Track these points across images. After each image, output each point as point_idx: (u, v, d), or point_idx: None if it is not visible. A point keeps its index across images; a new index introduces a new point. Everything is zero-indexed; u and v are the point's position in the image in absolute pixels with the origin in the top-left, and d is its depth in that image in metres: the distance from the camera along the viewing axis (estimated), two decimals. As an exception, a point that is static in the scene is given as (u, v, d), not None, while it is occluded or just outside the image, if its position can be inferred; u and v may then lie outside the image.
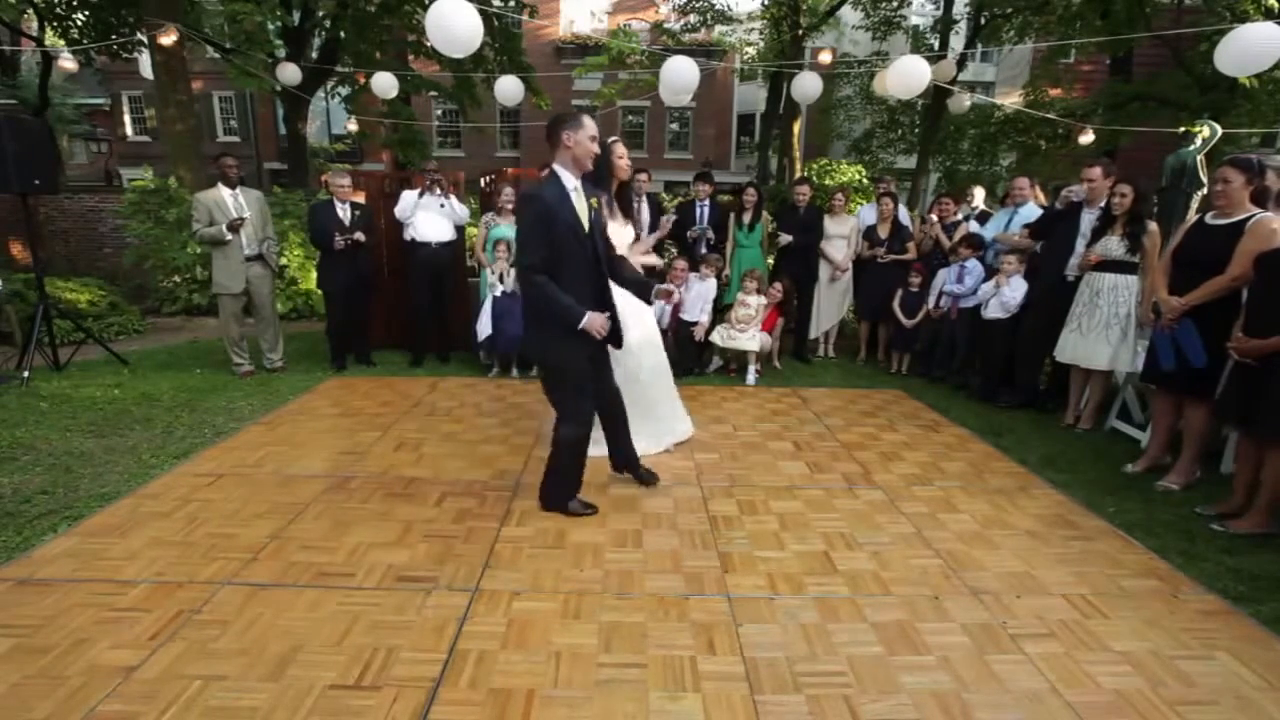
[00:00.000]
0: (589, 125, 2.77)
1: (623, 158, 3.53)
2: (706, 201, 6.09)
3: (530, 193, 2.78)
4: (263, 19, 8.83)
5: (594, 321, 2.76)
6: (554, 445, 3.01)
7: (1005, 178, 16.03)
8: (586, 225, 2.84)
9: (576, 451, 3.02)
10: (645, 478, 3.40)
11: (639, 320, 3.69)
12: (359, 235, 5.29)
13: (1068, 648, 2.20)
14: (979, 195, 6.22)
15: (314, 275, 7.96)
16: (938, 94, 11.42)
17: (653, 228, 6.10)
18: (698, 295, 5.62)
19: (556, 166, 2.81)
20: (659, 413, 3.87)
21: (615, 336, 2.96)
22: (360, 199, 5.81)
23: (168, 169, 8.55)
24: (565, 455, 3.01)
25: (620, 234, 3.59)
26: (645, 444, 3.65)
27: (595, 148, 2.81)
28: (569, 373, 2.90)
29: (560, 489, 3.09)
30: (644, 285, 3.10)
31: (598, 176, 3.44)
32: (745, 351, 5.46)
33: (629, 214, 3.67)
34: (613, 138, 3.62)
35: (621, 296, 3.11)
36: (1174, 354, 3.41)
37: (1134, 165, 11.29)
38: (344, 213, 5.32)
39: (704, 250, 5.95)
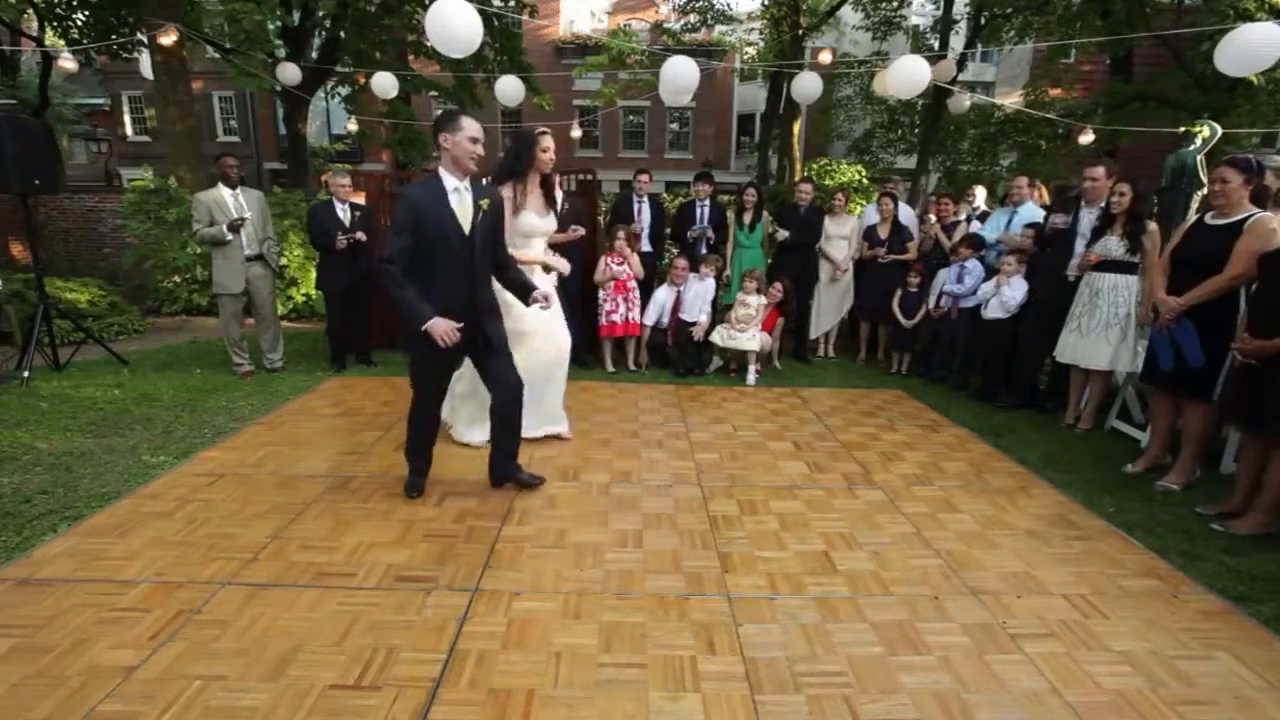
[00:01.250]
0: (468, 127, 2.82)
1: (547, 150, 3.59)
2: (706, 201, 6.09)
3: (402, 190, 2.87)
4: (262, 18, 8.82)
5: (437, 327, 2.77)
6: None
7: (1005, 178, 16.03)
8: (468, 227, 2.88)
9: (422, 421, 3.17)
10: (529, 480, 3.34)
11: (539, 317, 3.70)
12: (360, 235, 5.29)
13: (1068, 648, 2.20)
14: (980, 195, 6.22)
15: (314, 277, 7.99)
16: (938, 94, 11.42)
17: (653, 230, 6.13)
18: (696, 295, 5.62)
19: (440, 168, 2.88)
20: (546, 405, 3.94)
21: (473, 344, 3.00)
22: (360, 199, 5.81)
23: (168, 169, 8.55)
24: (410, 425, 3.18)
25: (542, 224, 3.71)
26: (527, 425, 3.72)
27: (476, 149, 2.85)
28: (428, 367, 3.02)
29: (409, 451, 3.25)
30: (525, 288, 3.19)
31: (515, 168, 3.54)
32: (745, 351, 5.46)
33: (551, 204, 3.77)
34: (541, 129, 3.69)
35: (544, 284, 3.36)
36: (1172, 354, 3.41)
37: (1134, 165, 11.31)
38: (344, 213, 5.32)
39: (704, 250, 5.96)
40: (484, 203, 2.91)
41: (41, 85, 13.78)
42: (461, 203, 2.88)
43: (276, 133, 21.11)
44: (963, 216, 5.99)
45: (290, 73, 8.94)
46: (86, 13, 11.81)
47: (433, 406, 3.20)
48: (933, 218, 6.08)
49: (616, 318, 5.52)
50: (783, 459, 3.85)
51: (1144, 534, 2.99)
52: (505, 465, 3.30)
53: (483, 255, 2.97)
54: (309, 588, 2.44)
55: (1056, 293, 4.48)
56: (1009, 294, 4.84)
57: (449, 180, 2.87)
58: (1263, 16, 9.04)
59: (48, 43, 13.17)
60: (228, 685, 1.93)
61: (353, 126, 12.89)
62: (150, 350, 6.28)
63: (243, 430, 4.08)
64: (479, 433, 3.80)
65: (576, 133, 12.42)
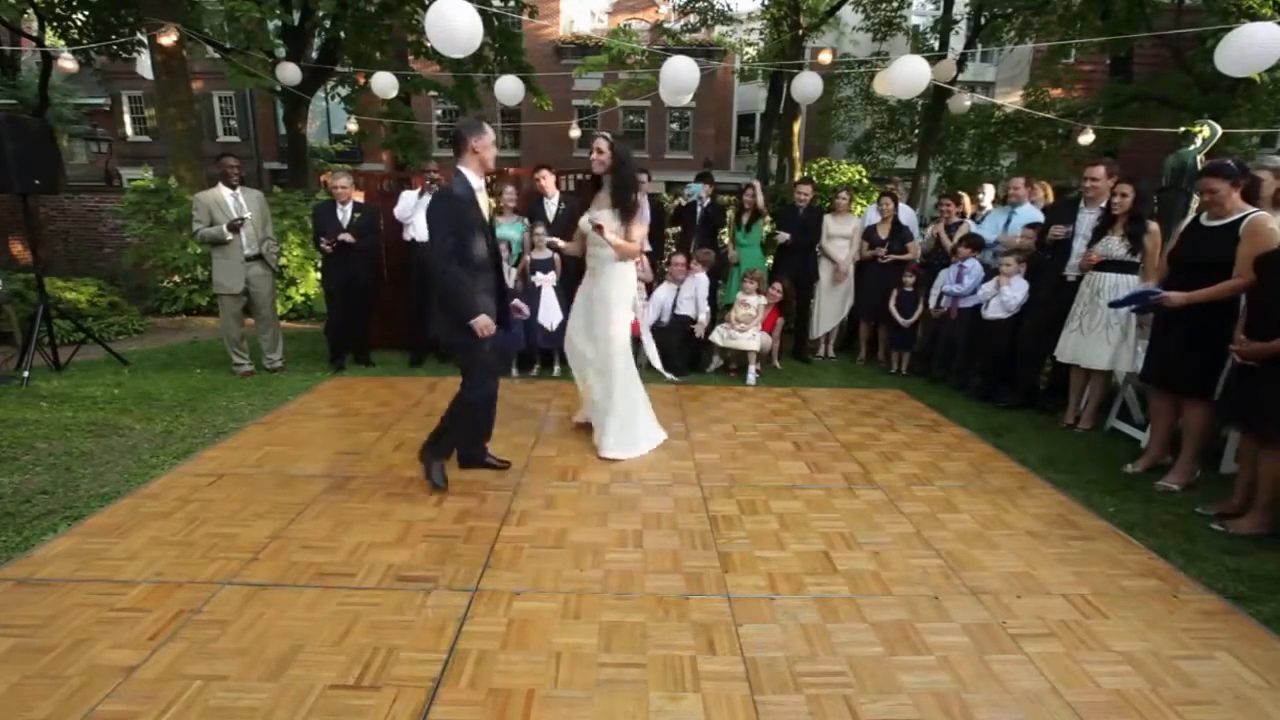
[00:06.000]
0: (490, 131, 3.16)
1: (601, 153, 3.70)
2: (707, 201, 6.09)
3: (444, 189, 3.10)
4: (262, 16, 8.82)
5: (480, 321, 3.05)
6: (456, 409, 3.28)
7: (1005, 178, 16.04)
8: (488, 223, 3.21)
9: (480, 413, 3.38)
10: (498, 464, 3.57)
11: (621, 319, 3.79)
12: (344, 236, 5.22)
13: (1068, 648, 2.20)
14: (989, 192, 6.22)
15: (312, 276, 7.99)
16: (938, 94, 11.43)
17: (652, 228, 6.13)
18: (688, 290, 5.62)
19: (464, 168, 3.10)
20: (636, 416, 3.88)
21: (505, 320, 3.32)
22: (361, 198, 5.80)
23: (168, 169, 8.55)
24: (466, 416, 3.32)
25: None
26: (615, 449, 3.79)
27: (495, 151, 3.19)
28: (480, 348, 3.17)
29: (462, 444, 3.45)
30: (508, 294, 3.45)
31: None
32: (745, 351, 5.46)
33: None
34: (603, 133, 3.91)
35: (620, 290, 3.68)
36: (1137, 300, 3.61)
37: (1134, 165, 11.31)
38: (343, 214, 5.31)
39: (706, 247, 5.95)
40: (494, 201, 3.14)
41: (41, 85, 13.77)
42: (484, 201, 3.15)
43: (276, 133, 21.11)
44: (969, 215, 6.00)
45: (290, 73, 8.94)
46: (86, 13, 11.81)
47: (494, 384, 3.33)
48: (941, 217, 6.07)
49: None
50: (783, 459, 3.85)
51: (1144, 534, 2.99)
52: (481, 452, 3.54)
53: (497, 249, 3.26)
54: (309, 588, 2.44)
55: (1056, 293, 4.48)
56: (1009, 294, 4.84)
57: (474, 180, 3.08)
58: (1268, 14, 9.04)
59: (48, 43, 13.16)
60: (228, 685, 1.93)
61: (353, 126, 12.89)
62: (150, 350, 6.28)
63: (243, 430, 4.08)
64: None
65: (576, 133, 12.40)
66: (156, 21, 7.79)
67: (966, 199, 6.23)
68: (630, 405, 3.80)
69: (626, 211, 3.58)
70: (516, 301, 3.49)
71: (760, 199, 6.07)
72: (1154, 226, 4.09)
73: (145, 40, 8.78)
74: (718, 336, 5.57)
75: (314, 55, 12.76)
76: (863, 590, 2.52)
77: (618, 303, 3.72)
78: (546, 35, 21.63)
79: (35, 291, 5.46)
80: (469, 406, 3.27)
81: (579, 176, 6.26)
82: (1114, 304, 3.90)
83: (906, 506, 3.26)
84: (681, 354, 5.64)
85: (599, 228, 3.58)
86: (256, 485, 3.31)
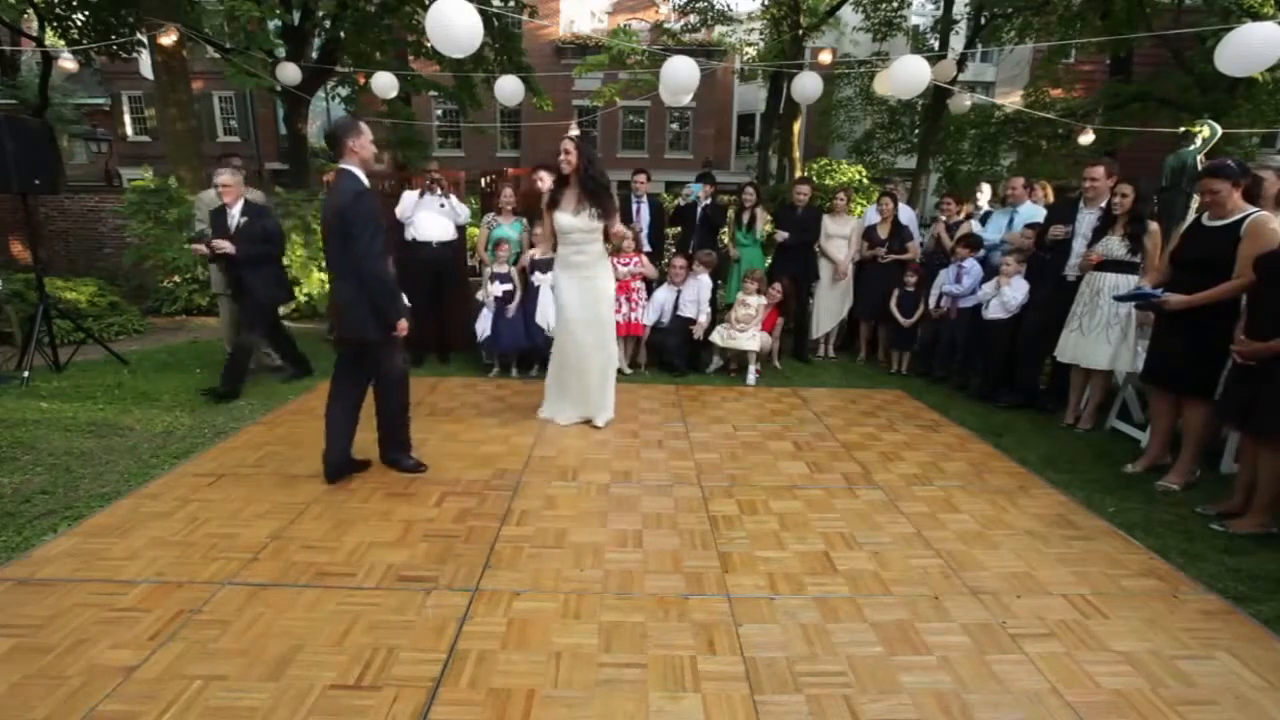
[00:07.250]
0: (368, 130, 3.20)
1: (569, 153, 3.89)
2: (708, 201, 6.10)
3: (363, 190, 3.11)
4: (261, 16, 8.82)
5: (403, 325, 3.26)
6: (395, 400, 3.46)
7: (1005, 178, 16.03)
8: None
9: (404, 386, 3.49)
10: (415, 467, 3.56)
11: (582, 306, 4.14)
12: (220, 244, 4.54)
13: (1068, 648, 2.20)
14: (986, 192, 6.23)
15: (315, 275, 7.97)
16: (938, 94, 11.43)
17: (652, 231, 6.14)
18: (689, 293, 5.62)
19: (350, 168, 3.12)
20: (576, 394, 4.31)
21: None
22: (257, 197, 5.05)
23: (168, 169, 8.55)
24: (401, 397, 3.48)
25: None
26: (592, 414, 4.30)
27: (374, 149, 3.25)
28: (396, 351, 3.38)
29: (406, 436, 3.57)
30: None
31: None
32: (745, 351, 5.46)
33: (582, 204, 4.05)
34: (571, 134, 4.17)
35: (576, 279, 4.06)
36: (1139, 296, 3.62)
37: (1134, 165, 11.32)
38: (231, 217, 4.66)
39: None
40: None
41: (41, 85, 13.78)
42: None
43: (277, 133, 21.11)
44: (964, 215, 6.00)
45: (290, 73, 8.93)
46: (86, 13, 11.82)
47: (407, 380, 3.54)
48: (942, 216, 6.08)
49: (619, 318, 5.52)
50: (783, 459, 3.85)
51: (1144, 534, 2.99)
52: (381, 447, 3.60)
53: None
54: (309, 588, 2.44)
55: (1056, 292, 4.48)
56: (1010, 294, 4.84)
57: (363, 178, 3.17)
58: (1268, 13, 9.05)
59: (48, 43, 13.18)
60: (228, 685, 1.93)
61: (352, 127, 12.88)
62: (150, 350, 6.28)
63: (243, 430, 4.08)
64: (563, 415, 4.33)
65: (576, 132, 12.40)
66: (156, 21, 7.79)
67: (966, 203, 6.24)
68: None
69: (607, 209, 3.96)
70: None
71: (760, 207, 6.10)
72: (1154, 226, 4.09)
73: (145, 40, 8.78)
74: (718, 336, 5.57)
75: (314, 55, 12.76)
76: (863, 590, 2.52)
77: (612, 292, 4.29)
78: (546, 35, 21.63)
79: (35, 291, 5.45)
80: (398, 385, 3.45)
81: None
82: (1118, 297, 3.91)
83: (906, 506, 3.26)
84: (681, 354, 5.65)
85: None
86: (256, 485, 3.30)
